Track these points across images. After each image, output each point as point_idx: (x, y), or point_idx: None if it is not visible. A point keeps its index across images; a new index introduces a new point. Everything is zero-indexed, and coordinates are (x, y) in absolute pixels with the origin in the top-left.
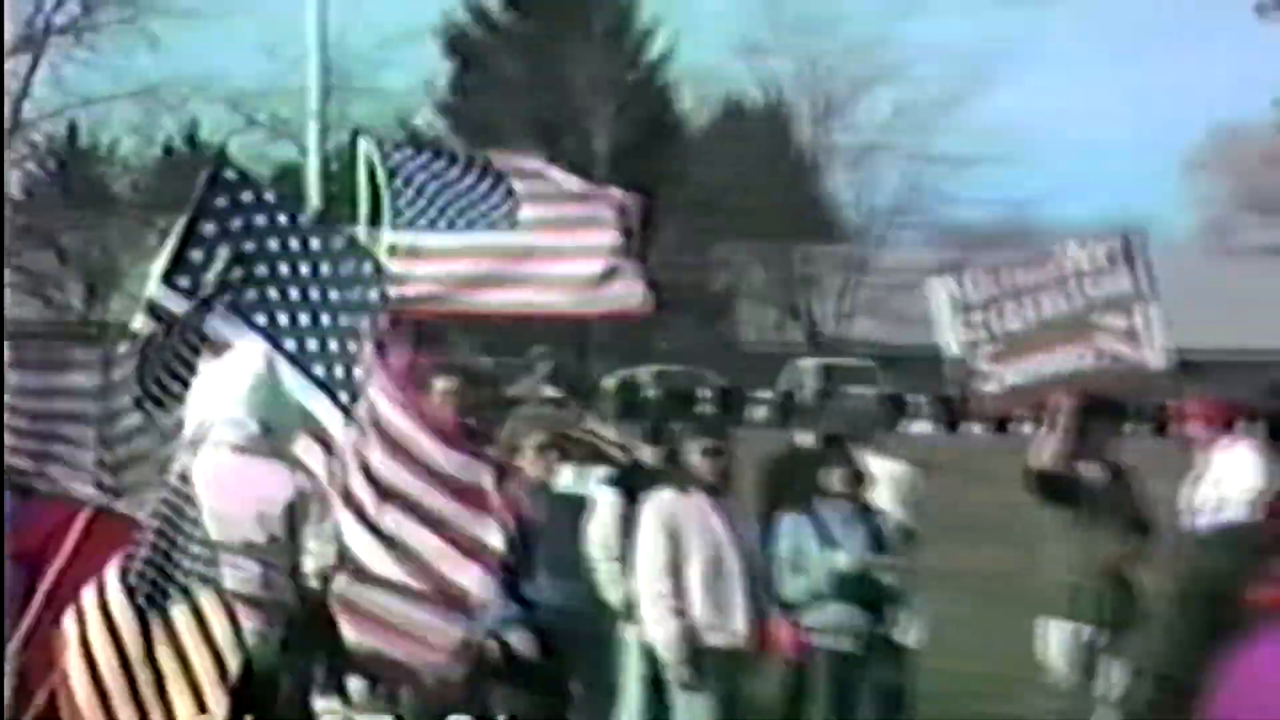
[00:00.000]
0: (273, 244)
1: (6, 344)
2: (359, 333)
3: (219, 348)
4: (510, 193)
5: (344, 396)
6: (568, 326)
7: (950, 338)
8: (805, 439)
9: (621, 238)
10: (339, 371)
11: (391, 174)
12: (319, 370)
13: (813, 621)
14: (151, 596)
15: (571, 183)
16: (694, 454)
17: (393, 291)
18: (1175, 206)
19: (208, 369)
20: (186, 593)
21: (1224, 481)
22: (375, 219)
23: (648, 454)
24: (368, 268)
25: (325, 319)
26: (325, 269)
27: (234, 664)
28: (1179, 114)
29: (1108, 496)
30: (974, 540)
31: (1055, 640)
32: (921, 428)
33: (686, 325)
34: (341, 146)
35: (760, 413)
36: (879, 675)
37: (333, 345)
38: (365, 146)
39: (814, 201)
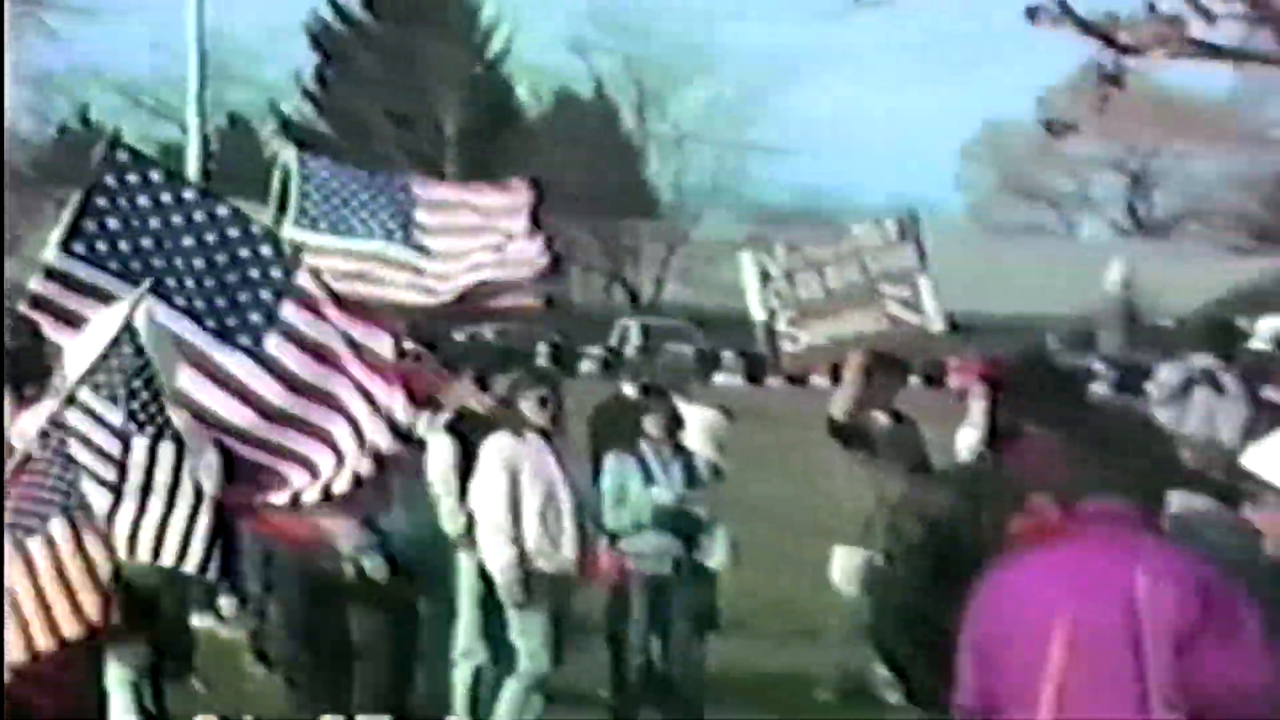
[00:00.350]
0: (158, 217)
1: None
2: (255, 297)
3: (104, 304)
4: (408, 214)
5: (244, 340)
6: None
7: (755, 303)
8: (629, 389)
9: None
10: (237, 324)
11: (304, 179)
12: (213, 324)
13: (633, 548)
14: (28, 527)
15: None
16: (528, 401)
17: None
18: (950, 191)
19: (93, 322)
20: (64, 514)
21: (973, 427)
22: (280, 214)
23: (484, 401)
24: (264, 244)
25: (217, 283)
26: (211, 240)
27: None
28: (955, 112)
29: (891, 440)
30: (774, 477)
31: (843, 564)
32: (730, 380)
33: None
34: (219, 127)
35: (590, 366)
36: (690, 595)
37: (225, 303)
38: (288, 154)
39: (636, 182)
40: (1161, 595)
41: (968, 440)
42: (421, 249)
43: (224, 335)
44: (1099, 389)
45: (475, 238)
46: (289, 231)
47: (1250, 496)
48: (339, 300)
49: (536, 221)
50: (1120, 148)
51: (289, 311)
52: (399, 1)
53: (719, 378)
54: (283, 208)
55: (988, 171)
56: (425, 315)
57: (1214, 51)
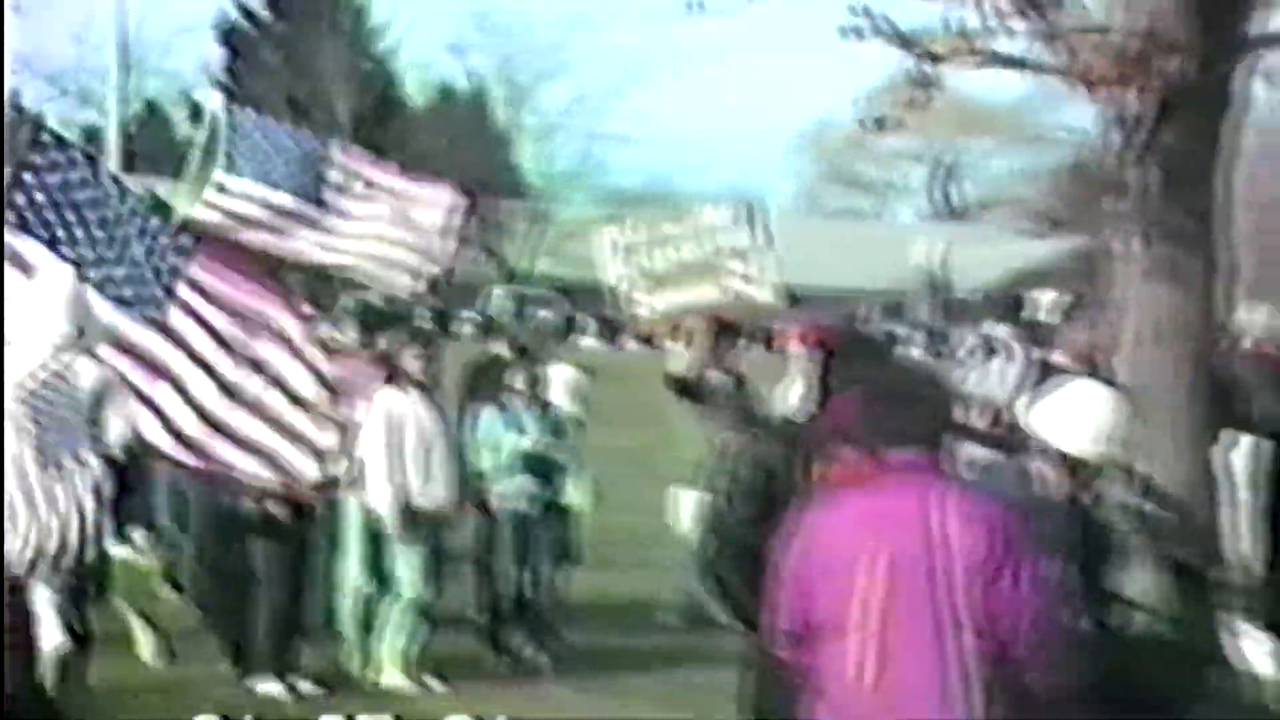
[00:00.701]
0: (78, 192)
1: None
2: (160, 269)
3: (30, 271)
4: (321, 173)
5: (152, 313)
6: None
7: (611, 274)
8: (500, 349)
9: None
10: (144, 295)
11: (232, 129)
12: (126, 294)
13: (501, 489)
14: None
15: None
16: (409, 359)
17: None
18: (780, 179)
19: (23, 288)
20: None
21: (798, 384)
22: (208, 161)
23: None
24: (158, 220)
25: (127, 256)
26: (125, 214)
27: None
28: (785, 108)
29: (728, 395)
30: (626, 427)
31: (683, 504)
32: (589, 342)
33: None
34: (137, 114)
35: (466, 329)
36: (552, 531)
37: (134, 274)
38: (217, 104)
39: (508, 168)
40: (964, 532)
41: (793, 395)
42: (331, 209)
43: (128, 303)
44: (911, 351)
45: (383, 215)
46: (217, 175)
47: (1030, 449)
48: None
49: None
50: (928, 144)
51: (193, 275)
52: (298, 3)
53: (582, 340)
54: (210, 155)
55: (813, 163)
56: (320, 276)
57: (1004, 62)
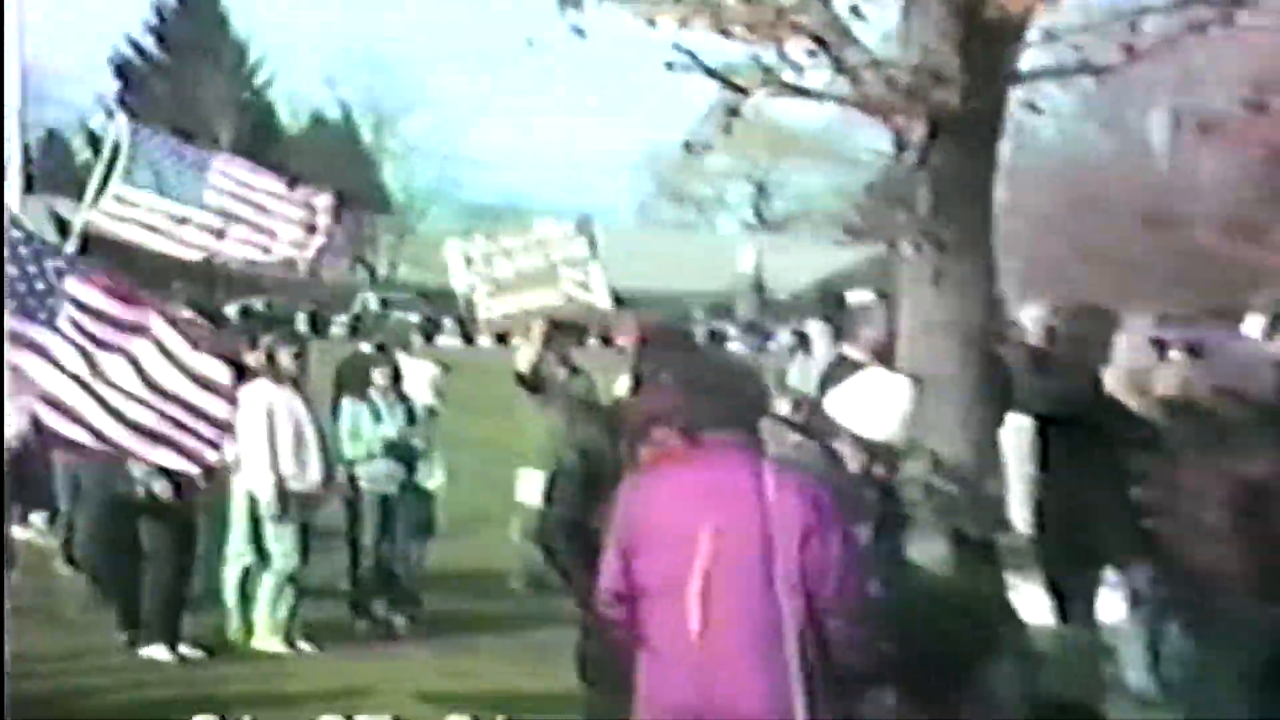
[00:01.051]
0: None
1: None
2: (52, 284)
3: None
4: (205, 181)
5: (42, 316)
6: (199, 265)
7: (460, 282)
8: (366, 347)
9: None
10: (34, 303)
11: (133, 146)
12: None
13: (366, 473)
14: None
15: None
16: (284, 357)
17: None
18: (621, 196)
19: None
20: None
21: (624, 377)
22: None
23: (251, 357)
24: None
25: (23, 274)
26: (18, 235)
27: None
28: (623, 134)
29: (562, 386)
30: (481, 416)
31: (528, 483)
32: (447, 341)
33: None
34: (39, 140)
35: (338, 331)
36: (412, 508)
37: (25, 286)
38: (121, 121)
39: (374, 186)
40: (782, 501)
41: (619, 386)
42: (217, 211)
43: (28, 313)
44: (734, 346)
45: (262, 213)
46: (116, 188)
47: (832, 432)
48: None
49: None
50: (746, 164)
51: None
52: (184, 39)
53: (441, 339)
54: (110, 170)
55: (648, 181)
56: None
57: (799, 92)
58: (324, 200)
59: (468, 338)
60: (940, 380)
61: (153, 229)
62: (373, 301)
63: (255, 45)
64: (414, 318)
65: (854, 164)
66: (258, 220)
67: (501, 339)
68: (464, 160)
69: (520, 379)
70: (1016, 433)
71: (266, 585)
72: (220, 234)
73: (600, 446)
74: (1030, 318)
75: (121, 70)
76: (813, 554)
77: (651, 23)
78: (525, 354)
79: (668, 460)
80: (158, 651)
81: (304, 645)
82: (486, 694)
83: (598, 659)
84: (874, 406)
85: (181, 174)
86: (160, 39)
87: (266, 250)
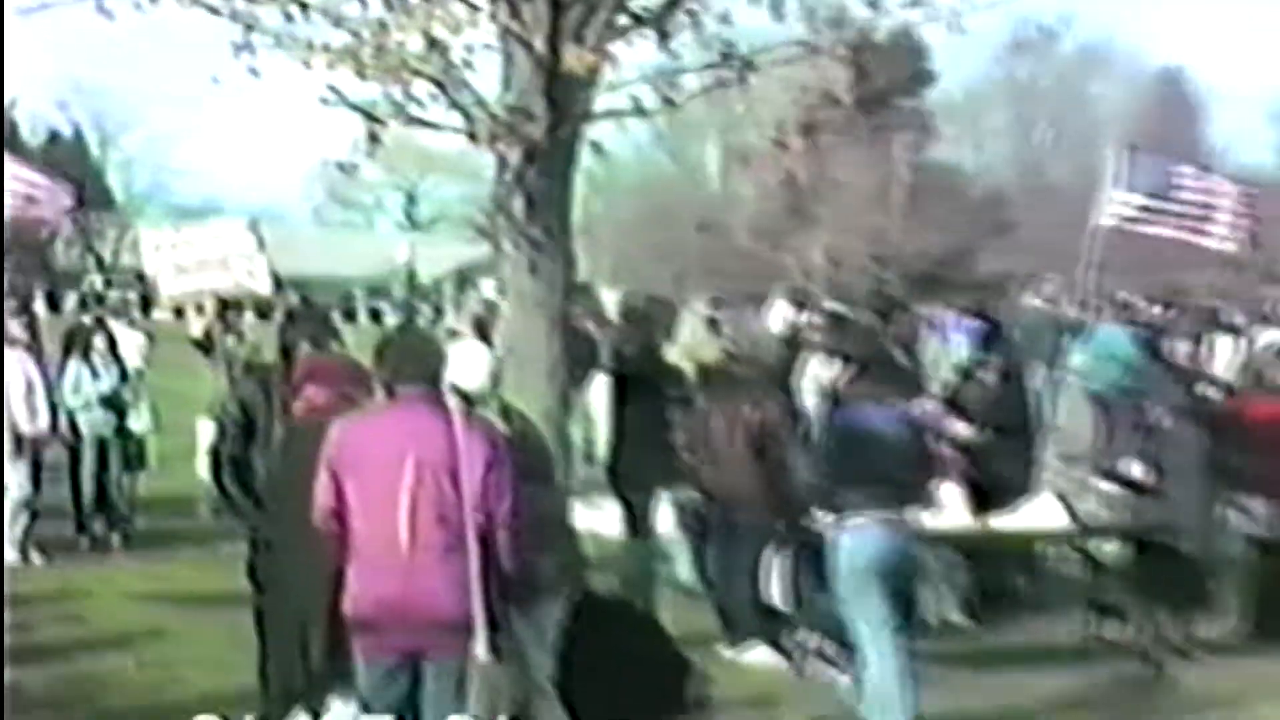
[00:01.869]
0: None
1: None
2: None
3: None
4: None
5: None
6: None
7: (150, 264)
8: (87, 319)
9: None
10: None
11: None
12: None
13: (85, 420)
14: None
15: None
16: (17, 328)
17: None
18: (301, 201)
19: None
20: None
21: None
22: None
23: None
24: None
25: None
26: None
27: None
28: (303, 148)
29: (233, 353)
30: (174, 375)
31: (202, 430)
32: (161, 315)
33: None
34: None
35: (70, 306)
36: (123, 447)
37: None
38: None
39: (101, 190)
40: (472, 441)
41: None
42: None
43: None
44: (389, 320)
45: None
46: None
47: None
48: None
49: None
50: (398, 177)
51: None
52: None
53: (155, 314)
54: None
55: (320, 190)
56: None
57: (422, 123)
58: (68, 191)
59: (179, 313)
60: (534, 348)
61: None
62: (98, 283)
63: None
64: (131, 296)
65: (481, 179)
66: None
67: (178, 312)
68: (172, 170)
69: (194, 343)
70: (599, 387)
71: (15, 514)
72: None
73: (258, 400)
74: (612, 301)
75: None
76: (491, 481)
77: (307, 65)
78: (198, 324)
79: (316, 414)
80: None
81: (35, 556)
82: (180, 593)
83: (262, 567)
84: (466, 366)
85: None
86: None
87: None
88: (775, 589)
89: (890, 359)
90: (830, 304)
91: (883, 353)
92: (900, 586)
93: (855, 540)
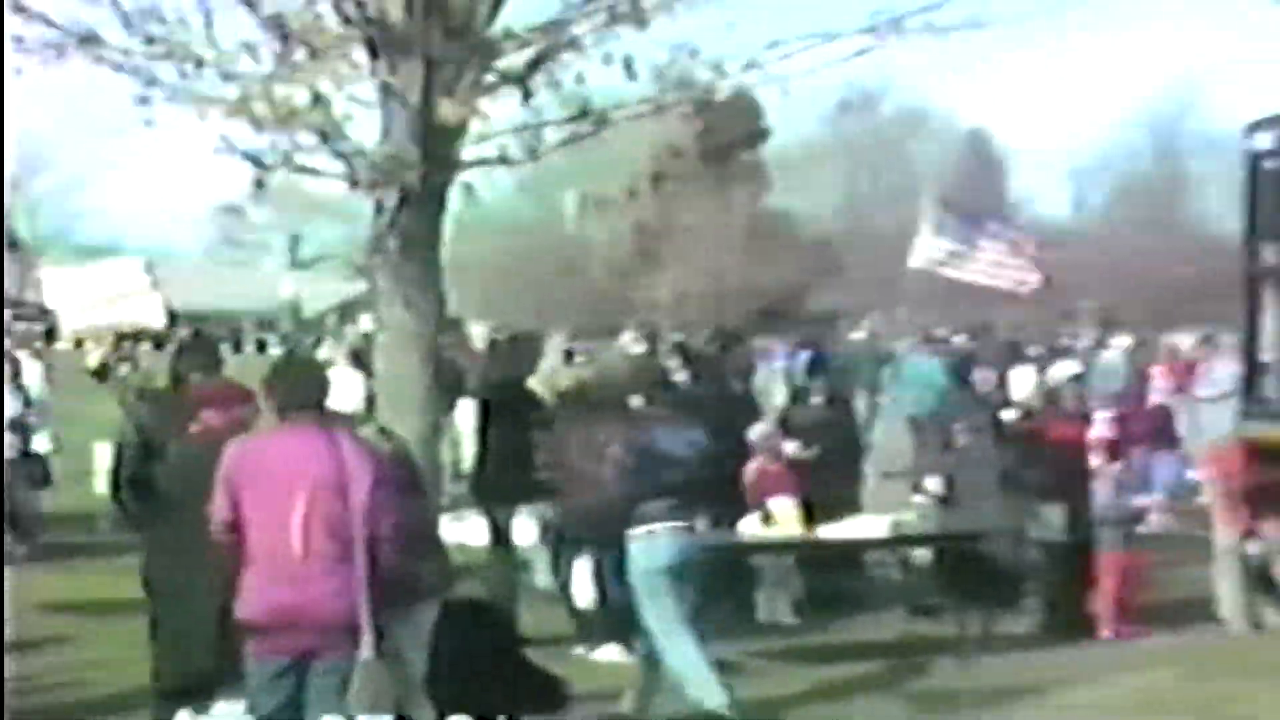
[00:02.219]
0: None
1: None
2: None
3: None
4: None
5: None
6: None
7: (53, 302)
8: None
9: None
10: None
11: None
12: None
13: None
14: None
15: None
16: None
17: None
18: (196, 241)
19: None
20: None
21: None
22: None
23: None
24: None
25: None
26: None
27: None
28: (201, 191)
29: (122, 379)
30: (85, 396)
31: (101, 452)
32: (62, 346)
33: None
34: None
35: None
36: (29, 468)
37: None
38: None
39: (8, 231)
40: (360, 462)
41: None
42: None
43: None
44: (274, 351)
45: None
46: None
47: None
48: None
49: None
50: (285, 219)
51: None
52: None
53: (58, 345)
54: None
55: (214, 231)
56: None
57: (306, 171)
58: None
59: (79, 343)
60: (409, 377)
61: None
62: (9, 316)
63: None
64: (39, 328)
65: (360, 221)
66: None
67: (79, 343)
68: (77, 213)
69: (92, 373)
70: (466, 412)
71: None
72: None
73: (153, 423)
74: (479, 335)
75: None
76: (375, 499)
77: (203, 115)
78: (95, 355)
79: (208, 436)
80: None
81: None
82: (84, 601)
83: (155, 577)
84: (342, 391)
85: None
86: None
87: None
88: (580, 589)
89: (687, 392)
90: (675, 336)
91: (662, 383)
92: (690, 584)
93: (647, 547)
